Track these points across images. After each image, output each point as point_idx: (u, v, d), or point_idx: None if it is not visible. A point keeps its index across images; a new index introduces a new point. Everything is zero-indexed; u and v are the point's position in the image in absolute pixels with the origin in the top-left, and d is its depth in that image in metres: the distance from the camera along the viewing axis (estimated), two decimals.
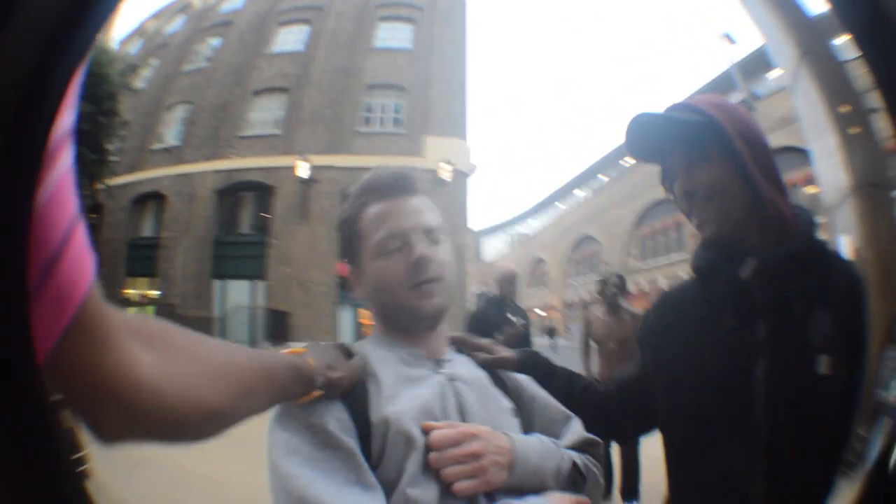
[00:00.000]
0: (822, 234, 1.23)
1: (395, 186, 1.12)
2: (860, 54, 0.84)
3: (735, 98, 17.41)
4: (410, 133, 14.30)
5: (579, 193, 31.17)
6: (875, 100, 0.84)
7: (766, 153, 1.19)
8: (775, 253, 1.18)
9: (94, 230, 11.97)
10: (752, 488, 1.21)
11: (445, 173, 13.74)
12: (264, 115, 14.56)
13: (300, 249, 13.27)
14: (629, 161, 25.02)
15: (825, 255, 1.22)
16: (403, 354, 1.09)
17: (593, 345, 4.81)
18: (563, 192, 32.55)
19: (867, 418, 1.30)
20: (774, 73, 15.71)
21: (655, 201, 21.71)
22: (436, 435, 0.96)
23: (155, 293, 13.63)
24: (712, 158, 1.16)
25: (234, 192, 14.13)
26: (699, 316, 1.26)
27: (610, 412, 1.41)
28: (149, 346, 0.65)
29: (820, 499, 1.13)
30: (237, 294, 13.24)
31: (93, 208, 13.40)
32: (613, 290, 4.74)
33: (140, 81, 14.56)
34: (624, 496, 4.51)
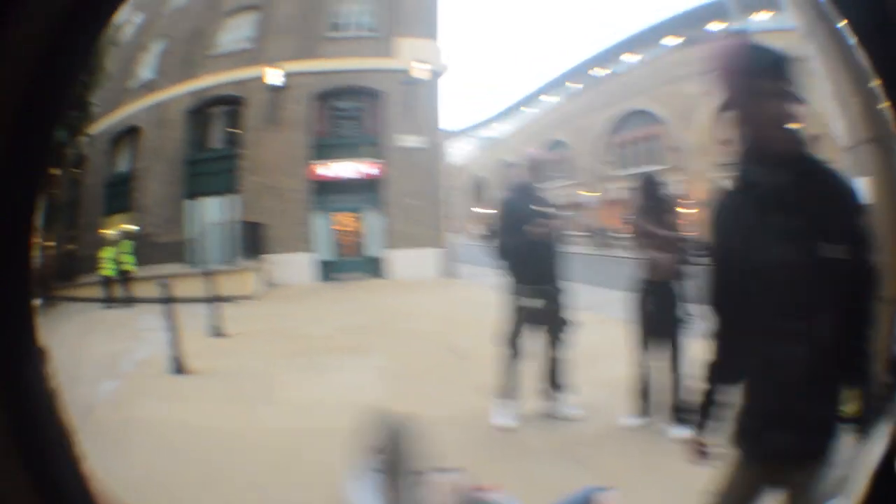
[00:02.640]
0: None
1: None
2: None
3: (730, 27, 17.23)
4: (381, 36, 13.81)
5: (548, 99, 30.72)
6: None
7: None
8: (801, 166, 1.68)
9: (77, 184, 11.79)
10: (792, 349, 1.70)
11: (418, 72, 13.42)
12: (235, 34, 14.12)
13: (272, 157, 12.92)
14: (599, 71, 24.76)
15: (829, 170, 1.70)
16: None
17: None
18: (531, 98, 32.08)
19: (889, 368, 1.55)
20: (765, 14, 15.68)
21: (628, 111, 21.34)
22: None
23: (132, 227, 13.13)
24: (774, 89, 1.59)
25: (204, 111, 13.69)
26: (747, 214, 1.72)
27: None
28: None
29: (852, 364, 1.72)
30: (211, 212, 12.93)
31: (76, 162, 13.23)
32: (655, 191, 4.60)
33: (125, 34, 14.19)
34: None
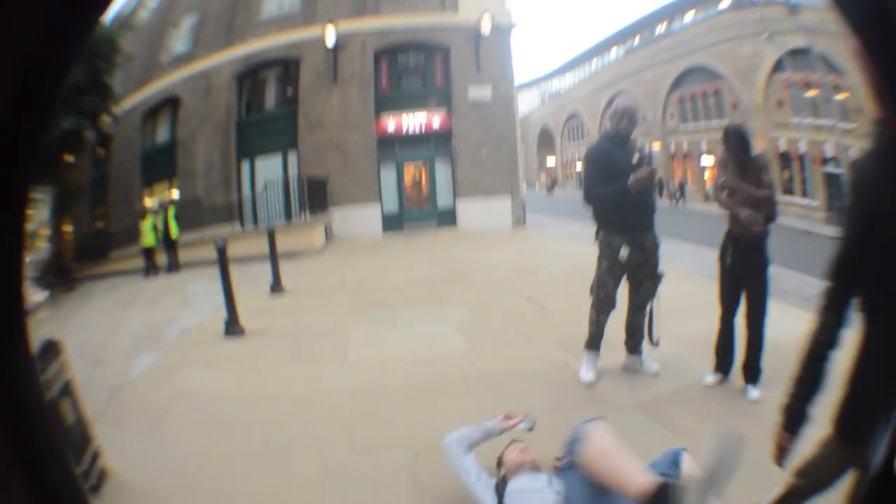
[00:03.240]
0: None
1: None
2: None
3: None
4: None
5: (614, 53, 30.19)
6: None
7: None
8: None
9: (103, 163, 11.93)
10: None
11: (485, 27, 13.30)
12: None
13: (333, 113, 12.90)
14: (661, 27, 24.41)
15: None
16: None
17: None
18: (595, 52, 31.61)
19: None
20: None
21: (692, 66, 20.85)
22: None
23: (174, 194, 13.53)
24: None
25: (254, 75, 13.84)
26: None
27: None
28: None
29: None
30: (269, 170, 12.92)
31: (101, 142, 13.63)
32: (734, 143, 4.41)
33: (142, 16, 14.56)
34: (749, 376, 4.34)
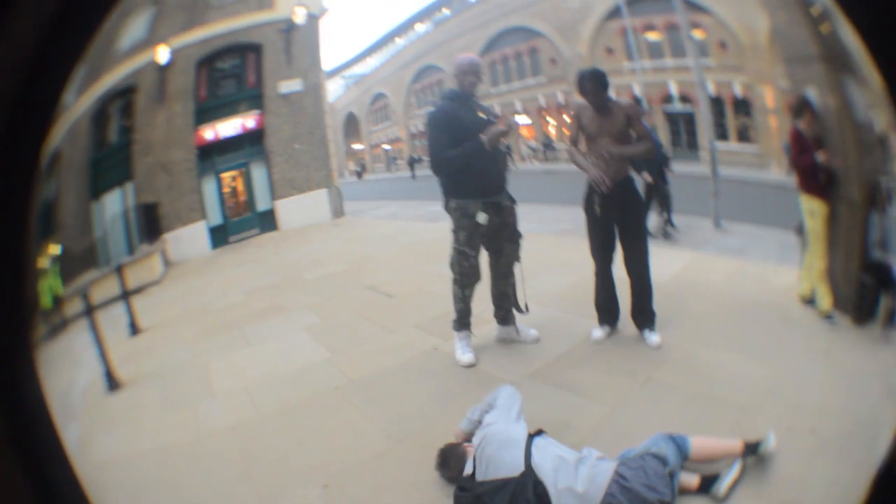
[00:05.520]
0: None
1: None
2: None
3: None
4: None
5: (421, 28, 30.22)
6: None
7: None
8: None
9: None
10: None
11: (299, 17, 13.06)
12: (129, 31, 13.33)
13: (160, 134, 12.20)
14: None
15: None
16: None
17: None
18: (402, 29, 31.52)
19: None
20: None
21: (507, 28, 21.16)
22: None
23: (56, 249, 12.25)
24: None
25: (102, 110, 12.86)
26: None
27: None
28: None
29: None
30: (112, 205, 12.12)
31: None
32: (591, 87, 4.49)
33: None
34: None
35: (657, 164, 7.09)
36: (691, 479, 3.15)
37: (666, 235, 7.11)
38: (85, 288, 5.57)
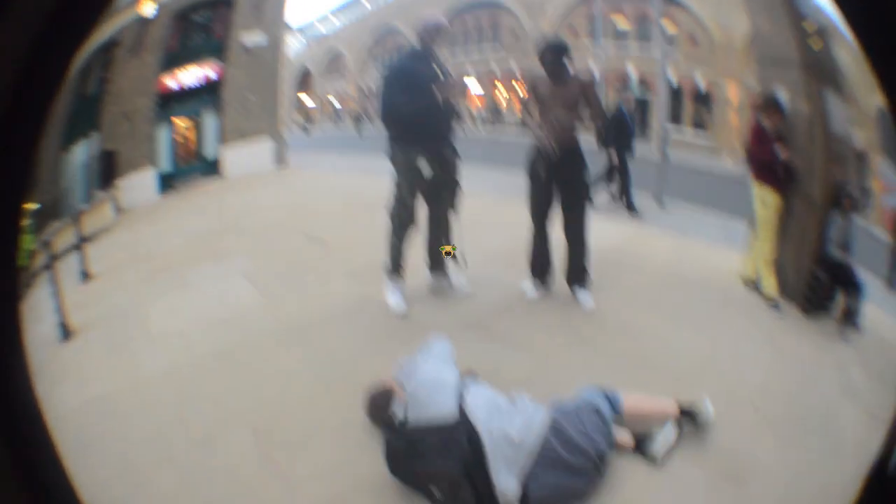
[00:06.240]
0: None
1: None
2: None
3: None
4: None
5: None
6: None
7: None
8: None
9: None
10: None
11: None
12: None
13: (129, 83, 11.91)
14: None
15: None
16: None
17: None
18: None
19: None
20: None
21: (476, 1, 20.82)
22: None
23: (33, 206, 11.97)
24: None
25: (87, 63, 12.52)
26: None
27: None
28: None
29: None
30: (80, 157, 11.93)
31: None
32: (550, 60, 4.56)
33: None
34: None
35: (626, 142, 7.15)
36: (625, 437, 3.19)
37: (631, 209, 7.14)
38: (47, 240, 5.54)
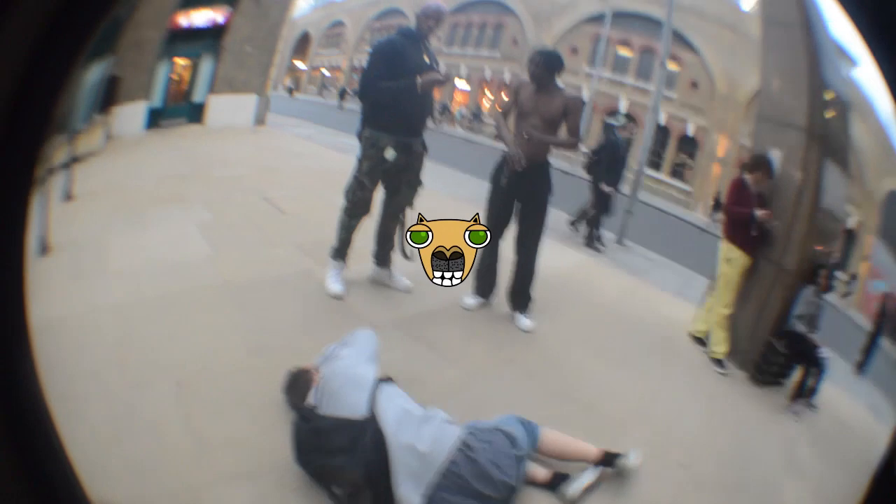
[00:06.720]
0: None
1: None
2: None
3: None
4: None
5: None
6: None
7: None
8: None
9: None
10: None
11: None
12: None
13: (149, 13, 11.79)
14: None
15: None
16: None
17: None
18: None
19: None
20: None
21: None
22: None
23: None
24: None
25: None
26: None
27: None
28: None
29: None
30: (92, 76, 11.85)
31: None
32: (540, 67, 4.59)
33: None
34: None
35: (615, 174, 7.14)
36: (540, 472, 3.24)
37: (593, 246, 7.13)
38: (48, 154, 5.58)
